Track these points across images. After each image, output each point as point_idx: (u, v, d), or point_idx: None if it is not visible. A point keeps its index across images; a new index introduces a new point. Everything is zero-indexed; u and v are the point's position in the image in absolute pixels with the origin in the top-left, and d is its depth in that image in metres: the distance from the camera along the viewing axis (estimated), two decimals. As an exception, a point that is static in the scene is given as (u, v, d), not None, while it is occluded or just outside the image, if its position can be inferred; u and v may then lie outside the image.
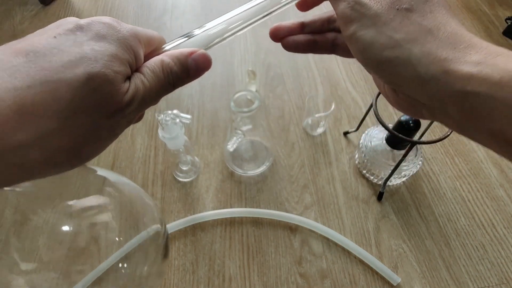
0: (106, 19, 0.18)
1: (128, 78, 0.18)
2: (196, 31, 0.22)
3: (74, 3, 0.87)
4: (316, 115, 0.56)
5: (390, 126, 0.47)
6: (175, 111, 0.45)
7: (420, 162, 0.51)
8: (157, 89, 0.19)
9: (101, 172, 0.37)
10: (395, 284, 0.45)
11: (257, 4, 0.22)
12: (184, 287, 0.46)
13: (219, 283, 0.46)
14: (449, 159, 0.57)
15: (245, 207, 0.52)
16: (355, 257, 0.48)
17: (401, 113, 0.54)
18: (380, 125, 0.46)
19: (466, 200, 0.52)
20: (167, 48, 0.21)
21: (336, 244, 0.49)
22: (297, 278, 0.46)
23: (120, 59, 0.17)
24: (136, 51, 0.18)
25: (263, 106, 0.64)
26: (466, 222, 0.50)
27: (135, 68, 0.18)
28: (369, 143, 0.52)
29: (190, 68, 0.19)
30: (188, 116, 0.45)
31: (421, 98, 0.18)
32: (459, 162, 0.56)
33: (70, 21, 0.17)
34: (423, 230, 0.50)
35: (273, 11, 0.23)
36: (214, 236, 0.50)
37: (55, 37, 0.16)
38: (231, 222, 0.51)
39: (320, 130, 0.60)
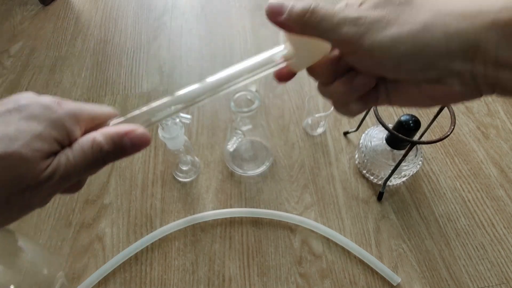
0: (47, 100, 0.19)
1: (55, 153, 0.19)
2: (162, 101, 0.22)
3: (74, 3, 0.87)
4: (316, 115, 0.56)
5: (390, 126, 0.47)
6: (175, 111, 0.45)
7: (420, 162, 0.51)
8: (83, 165, 0.19)
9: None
10: (395, 284, 0.45)
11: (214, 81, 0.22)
12: (184, 287, 0.46)
13: (219, 283, 0.46)
14: (449, 159, 0.57)
15: (245, 207, 0.52)
16: (355, 257, 0.48)
17: (401, 113, 0.54)
18: (380, 125, 0.46)
19: (466, 200, 0.52)
20: (112, 123, 0.22)
21: (336, 244, 0.49)
22: (297, 278, 0.46)
23: (45, 137, 0.18)
24: (70, 129, 0.19)
25: (263, 106, 0.64)
26: (466, 222, 0.50)
27: (68, 143, 0.20)
28: (369, 143, 0.52)
29: (126, 147, 0.20)
30: (188, 116, 0.45)
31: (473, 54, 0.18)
32: (459, 162, 0.56)
33: (15, 100, 0.19)
34: (423, 230, 0.50)
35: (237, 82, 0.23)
36: (214, 236, 0.50)
37: None
38: (231, 222, 0.51)
39: (320, 130, 0.60)
